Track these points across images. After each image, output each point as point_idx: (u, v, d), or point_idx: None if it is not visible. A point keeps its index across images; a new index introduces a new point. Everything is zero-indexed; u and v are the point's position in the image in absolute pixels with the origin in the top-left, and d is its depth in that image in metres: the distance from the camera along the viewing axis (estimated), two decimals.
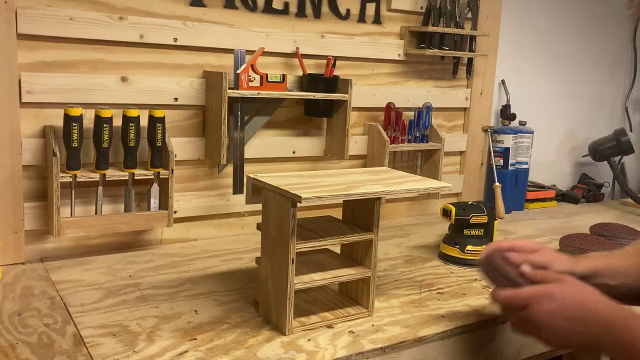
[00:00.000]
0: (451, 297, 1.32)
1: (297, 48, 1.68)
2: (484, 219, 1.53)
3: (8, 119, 1.33)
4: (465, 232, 1.53)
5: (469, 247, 1.51)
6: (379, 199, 1.15)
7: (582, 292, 0.91)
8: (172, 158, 1.48)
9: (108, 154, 1.41)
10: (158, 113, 1.45)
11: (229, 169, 1.63)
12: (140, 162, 1.47)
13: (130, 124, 1.41)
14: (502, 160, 2.14)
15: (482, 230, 1.53)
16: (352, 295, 1.23)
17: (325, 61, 1.70)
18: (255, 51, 1.56)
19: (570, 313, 0.88)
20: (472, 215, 1.51)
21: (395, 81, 1.91)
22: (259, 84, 1.55)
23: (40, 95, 1.37)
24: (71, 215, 1.42)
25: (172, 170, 1.48)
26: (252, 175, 1.16)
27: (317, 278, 1.12)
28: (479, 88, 2.08)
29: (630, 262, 1.09)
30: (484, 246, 1.45)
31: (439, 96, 1.99)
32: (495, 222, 1.56)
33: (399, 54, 1.88)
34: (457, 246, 1.52)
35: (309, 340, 1.09)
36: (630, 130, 2.55)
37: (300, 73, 1.68)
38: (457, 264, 1.52)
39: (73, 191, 1.41)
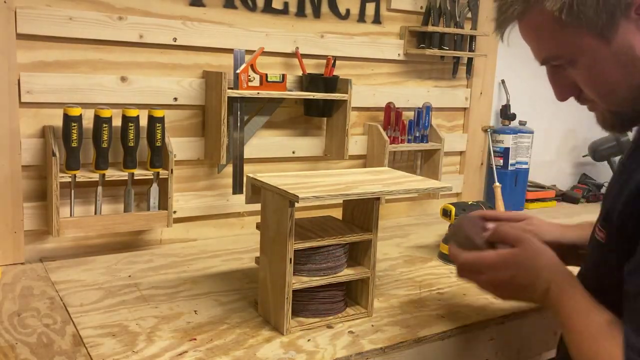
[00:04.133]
0: (451, 297, 1.32)
1: (297, 48, 1.68)
2: None
3: (7, 118, 1.33)
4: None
5: None
6: (378, 199, 1.15)
7: (536, 259, 0.94)
8: (171, 158, 1.48)
9: (107, 154, 1.41)
10: (157, 113, 1.45)
11: (229, 169, 1.63)
12: (140, 162, 1.47)
13: (130, 124, 1.41)
14: (502, 160, 2.13)
15: None
16: (352, 296, 1.22)
17: (325, 61, 1.69)
18: (254, 51, 1.56)
19: (522, 281, 0.93)
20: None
21: (395, 81, 1.91)
22: (258, 84, 1.55)
23: (39, 95, 1.37)
24: (70, 215, 1.42)
25: (172, 170, 1.48)
26: (251, 175, 1.16)
27: (316, 278, 1.12)
28: (478, 88, 2.08)
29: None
30: None
31: (438, 96, 1.99)
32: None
33: (398, 54, 1.88)
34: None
35: (308, 340, 1.09)
36: (630, 130, 2.54)
37: (300, 73, 1.68)
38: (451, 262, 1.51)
39: (72, 191, 1.41)
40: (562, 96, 0.86)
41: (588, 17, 0.74)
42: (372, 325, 1.16)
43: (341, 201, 1.23)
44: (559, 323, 0.90)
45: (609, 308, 0.83)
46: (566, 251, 1.08)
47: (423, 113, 1.91)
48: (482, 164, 2.16)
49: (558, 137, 2.47)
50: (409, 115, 1.90)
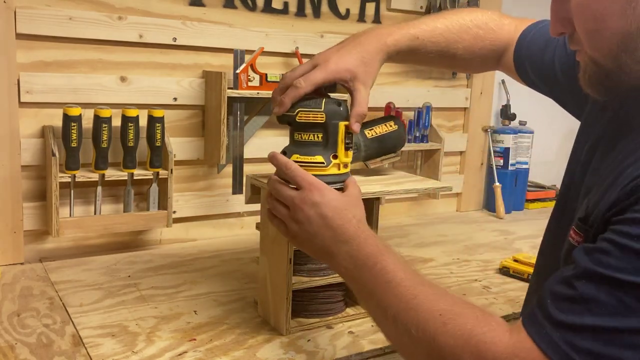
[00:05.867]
0: None
1: (297, 48, 1.68)
2: (319, 118, 1.02)
3: (7, 118, 1.33)
4: (296, 136, 1.05)
5: (295, 157, 1.02)
6: (378, 199, 1.15)
7: (349, 205, 0.91)
8: (171, 158, 1.47)
9: (107, 154, 1.41)
10: (157, 113, 1.45)
11: (228, 169, 1.63)
12: (140, 162, 1.46)
13: (130, 124, 1.41)
14: (502, 160, 2.13)
15: (320, 136, 1.03)
16: (352, 296, 1.22)
17: None
18: (254, 51, 1.55)
19: (327, 211, 0.88)
20: (299, 112, 1.02)
21: (395, 81, 1.91)
22: (258, 84, 1.55)
23: (39, 95, 1.37)
24: (70, 215, 1.42)
25: (172, 170, 1.48)
26: (251, 175, 1.15)
27: (316, 278, 1.12)
28: (479, 88, 2.08)
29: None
30: (317, 157, 1.04)
31: (439, 96, 1.99)
32: (343, 123, 1.03)
33: None
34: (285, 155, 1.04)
35: (308, 340, 1.09)
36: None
37: None
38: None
39: (72, 191, 1.41)
40: (555, 30, 0.79)
41: None
42: (372, 326, 1.15)
43: None
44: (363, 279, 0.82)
45: None
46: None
47: (423, 113, 1.90)
48: (482, 164, 2.16)
49: (558, 137, 2.46)
50: (409, 115, 1.90)
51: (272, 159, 0.96)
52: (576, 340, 0.63)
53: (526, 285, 1.41)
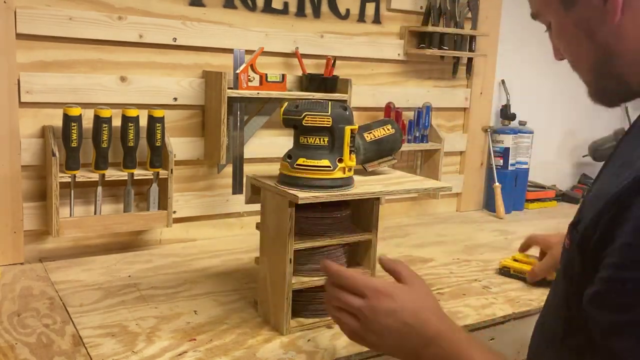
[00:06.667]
0: (451, 297, 1.32)
1: (297, 48, 1.68)
2: (326, 122, 1.03)
3: (7, 118, 1.33)
4: (302, 140, 1.06)
5: (301, 160, 1.04)
6: (378, 199, 1.15)
7: (422, 301, 0.85)
8: (171, 158, 1.47)
9: (107, 154, 1.41)
10: (157, 113, 1.45)
11: (228, 169, 1.63)
12: (140, 162, 1.46)
13: (130, 124, 1.41)
14: (502, 160, 2.13)
15: (326, 140, 1.05)
16: None
17: (324, 61, 1.69)
18: (254, 51, 1.55)
19: (406, 318, 0.82)
20: (306, 115, 1.04)
21: (395, 81, 1.91)
22: (258, 84, 1.55)
23: (39, 95, 1.37)
24: (70, 215, 1.42)
25: (172, 170, 1.48)
26: (251, 175, 1.16)
27: (316, 278, 1.12)
28: (478, 88, 2.08)
29: None
30: (324, 160, 1.06)
31: (438, 96, 1.99)
32: (348, 127, 1.04)
33: (398, 54, 1.88)
34: (289, 160, 1.06)
35: (308, 340, 1.09)
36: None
37: (300, 73, 1.68)
38: (286, 184, 1.07)
39: (72, 191, 1.41)
40: (555, 56, 0.83)
41: None
42: None
43: None
44: None
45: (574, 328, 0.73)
46: None
47: (423, 113, 1.91)
48: (482, 164, 2.16)
49: (558, 137, 2.47)
50: (409, 115, 1.90)
51: (324, 269, 0.89)
52: None
53: (526, 285, 1.41)
